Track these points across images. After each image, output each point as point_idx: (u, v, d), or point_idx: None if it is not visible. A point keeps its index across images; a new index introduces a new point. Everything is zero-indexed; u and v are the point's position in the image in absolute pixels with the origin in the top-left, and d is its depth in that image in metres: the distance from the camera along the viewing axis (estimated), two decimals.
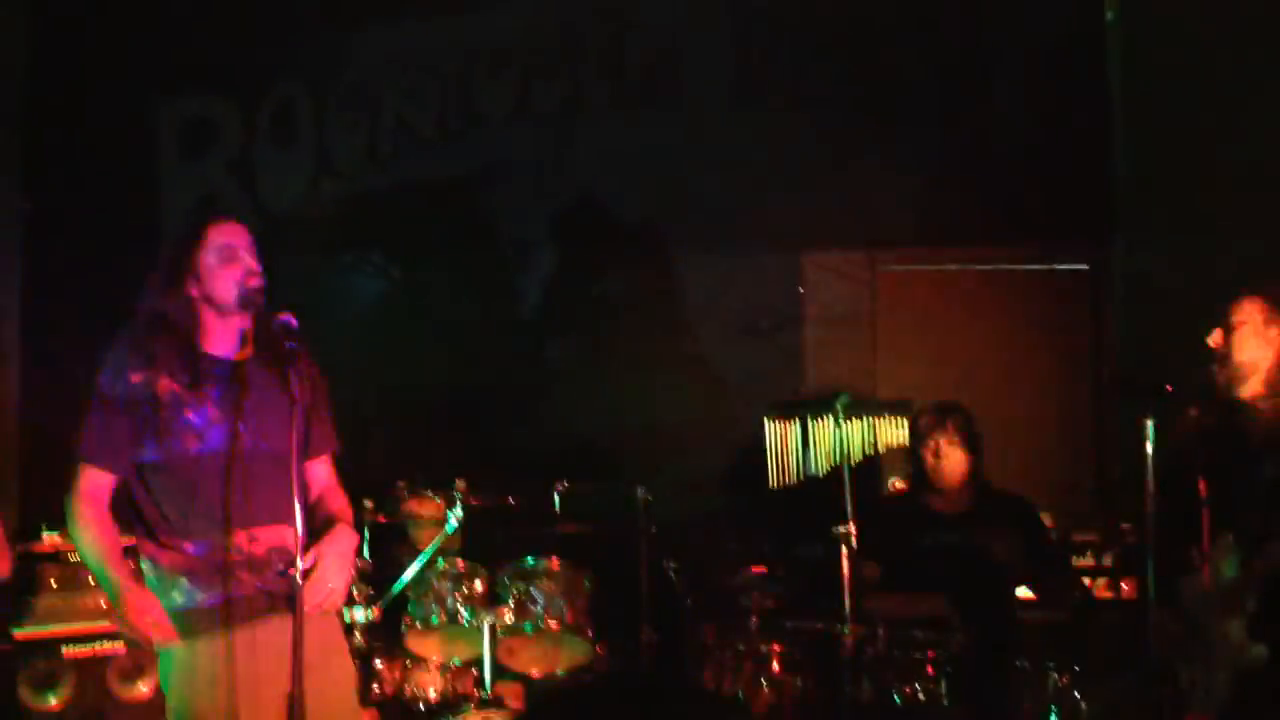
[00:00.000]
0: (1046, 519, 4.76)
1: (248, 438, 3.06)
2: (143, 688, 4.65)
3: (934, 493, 4.58)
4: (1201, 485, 3.58)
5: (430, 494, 4.66)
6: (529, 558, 4.51)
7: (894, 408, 4.43)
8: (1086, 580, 4.50)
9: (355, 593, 4.35)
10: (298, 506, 2.89)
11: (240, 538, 3.04)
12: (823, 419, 4.34)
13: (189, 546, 3.05)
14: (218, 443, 3.05)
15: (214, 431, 3.05)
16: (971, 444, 4.52)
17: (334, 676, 3.12)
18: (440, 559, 4.45)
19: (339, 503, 3.25)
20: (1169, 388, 3.58)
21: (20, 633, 4.52)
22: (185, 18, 5.60)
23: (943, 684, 4.15)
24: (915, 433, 4.48)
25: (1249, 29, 5.07)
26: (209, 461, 3.04)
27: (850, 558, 4.06)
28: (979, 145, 5.60)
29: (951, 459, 4.48)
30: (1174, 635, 3.62)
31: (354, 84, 5.75)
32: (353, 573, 3.08)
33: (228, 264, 3.08)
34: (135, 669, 4.62)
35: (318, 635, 3.03)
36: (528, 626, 4.38)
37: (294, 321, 3.03)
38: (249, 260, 3.10)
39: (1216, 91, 5.12)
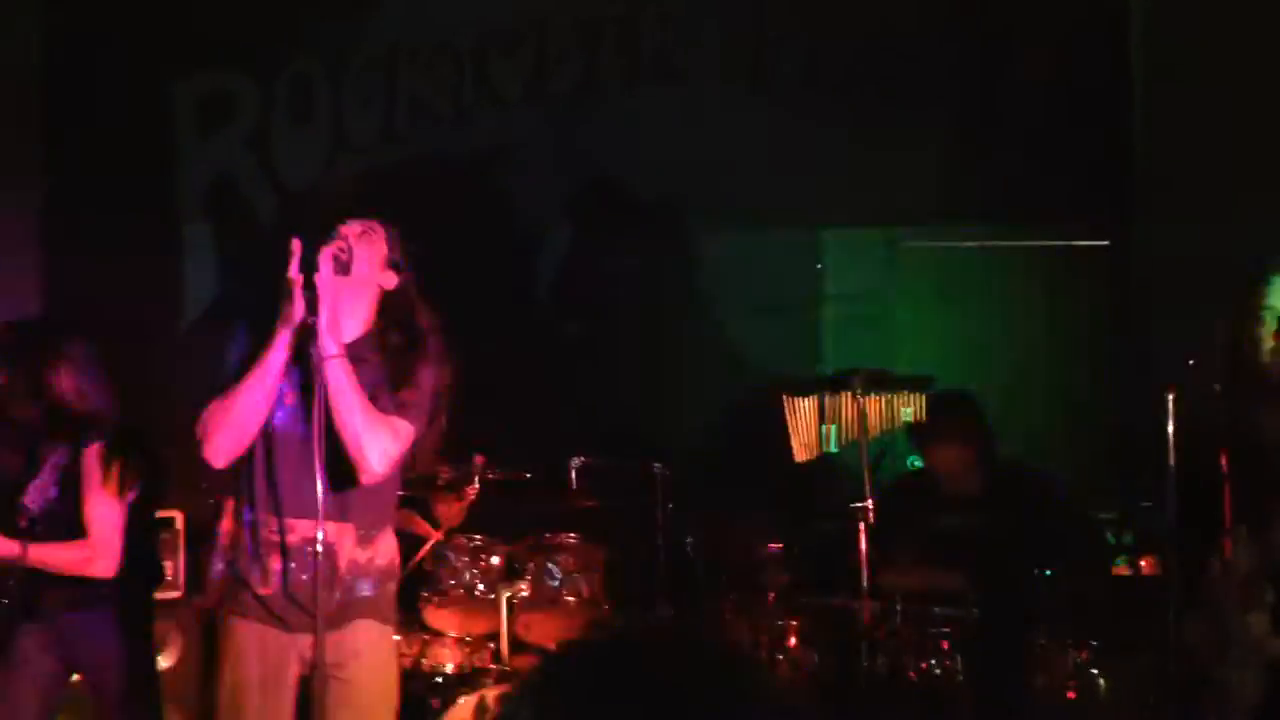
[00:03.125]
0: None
1: (281, 420, 3.05)
2: (163, 661, 4.66)
3: (946, 477, 4.58)
4: (1224, 463, 3.57)
5: (448, 468, 4.66)
6: (546, 532, 4.52)
7: (912, 385, 4.42)
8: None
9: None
10: (319, 490, 2.87)
11: (275, 523, 3.03)
12: (841, 396, 4.34)
13: (245, 516, 3.08)
14: (273, 421, 3.06)
15: (276, 410, 3.07)
16: (968, 438, 4.49)
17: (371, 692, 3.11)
18: (459, 532, 4.46)
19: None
20: (1190, 363, 3.58)
21: None
22: None
23: (958, 660, 4.16)
24: (917, 429, 4.46)
25: (1273, 2, 5.03)
26: (260, 439, 3.05)
27: (868, 534, 4.07)
28: (998, 121, 5.56)
29: (947, 458, 4.48)
30: (1205, 639, 3.61)
31: (370, 61, 5.74)
32: None
33: None
34: (160, 640, 4.63)
35: (364, 644, 3.05)
36: (544, 600, 4.40)
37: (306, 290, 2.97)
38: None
39: (1239, 66, 5.08)
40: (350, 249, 3.09)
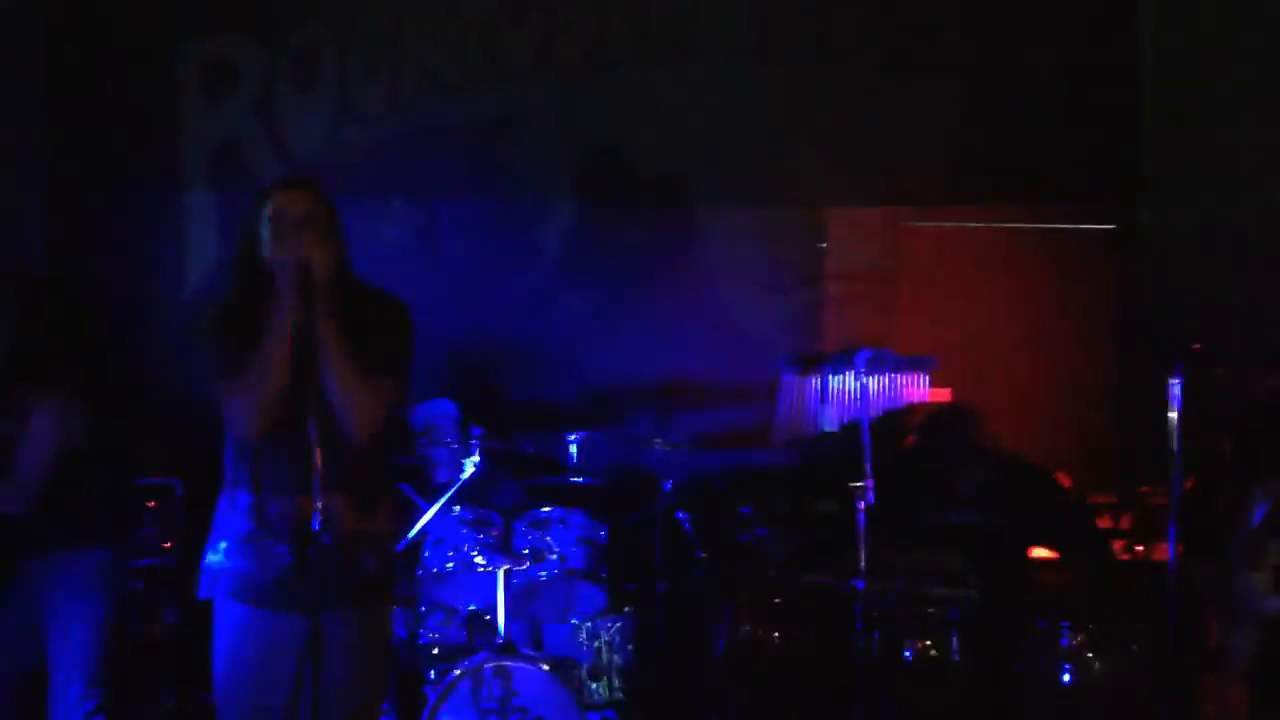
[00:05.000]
0: (1066, 480, 4.75)
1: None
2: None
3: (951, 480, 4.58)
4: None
5: (448, 441, 4.67)
6: (545, 506, 4.52)
7: (914, 365, 4.41)
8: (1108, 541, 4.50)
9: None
10: (318, 462, 2.87)
11: (276, 501, 3.01)
12: (843, 374, 4.34)
13: (243, 499, 3.06)
14: None
15: None
16: (979, 454, 4.49)
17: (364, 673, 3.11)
18: (457, 506, 4.47)
19: None
20: (1196, 347, 3.57)
21: None
22: None
23: (955, 641, 4.16)
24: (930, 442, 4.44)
25: None
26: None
27: (865, 514, 4.06)
28: (1005, 102, 5.54)
29: (954, 470, 4.48)
30: (1217, 588, 3.63)
31: (377, 28, 5.71)
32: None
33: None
34: (151, 605, 4.65)
35: (362, 625, 3.05)
36: (542, 574, 4.41)
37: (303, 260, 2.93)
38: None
39: (1246, 49, 5.05)
40: (319, 206, 3.06)
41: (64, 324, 3.88)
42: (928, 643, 4.18)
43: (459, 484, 4.47)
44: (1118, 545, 4.56)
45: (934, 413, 4.49)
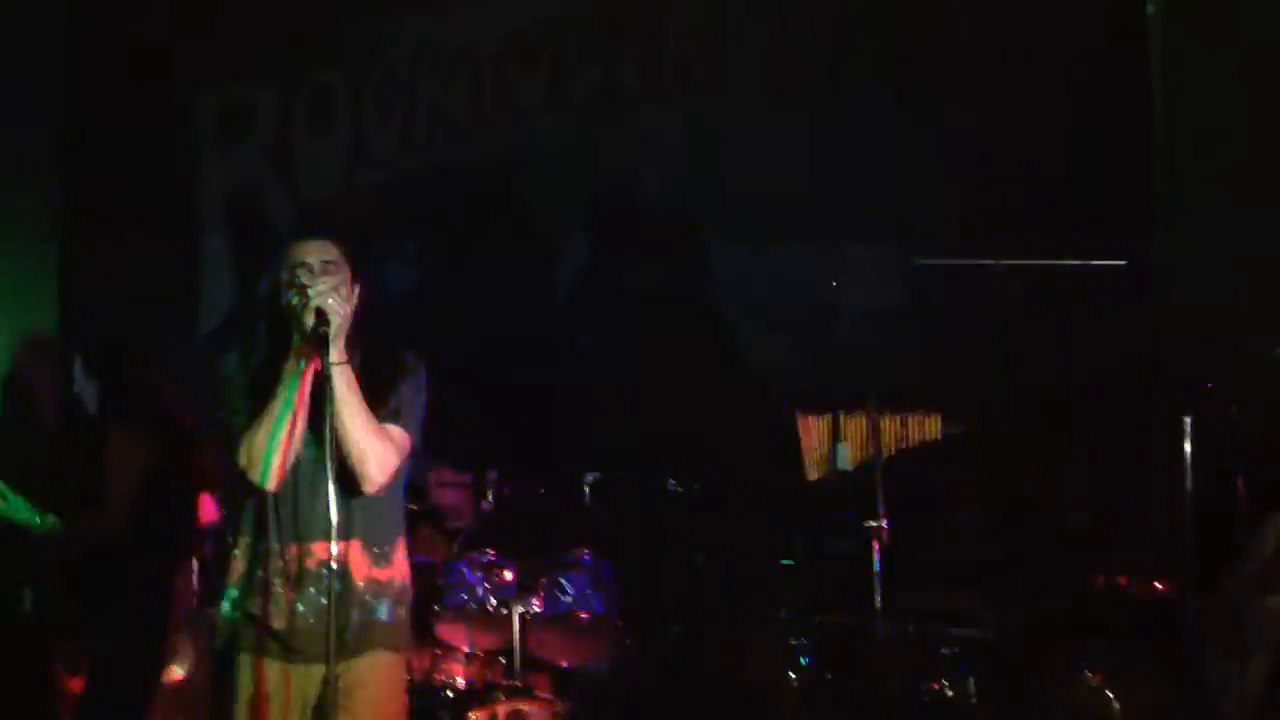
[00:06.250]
0: (1080, 518, 4.73)
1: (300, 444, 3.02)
2: (178, 670, 4.67)
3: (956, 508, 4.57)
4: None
5: (461, 483, 4.67)
6: (559, 547, 4.52)
7: (928, 404, 4.41)
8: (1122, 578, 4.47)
9: None
10: (333, 511, 2.86)
11: (289, 550, 3.01)
12: (855, 414, 4.33)
13: (256, 549, 3.06)
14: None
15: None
16: (984, 481, 4.48)
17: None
18: (471, 548, 4.47)
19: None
20: (1208, 386, 3.56)
21: None
22: (225, 3, 5.63)
23: (971, 680, 4.14)
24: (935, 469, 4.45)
25: None
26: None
27: (880, 551, 4.05)
28: (1018, 140, 5.54)
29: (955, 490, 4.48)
30: (1217, 622, 3.60)
31: (390, 71, 5.76)
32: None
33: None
34: (171, 651, 4.64)
35: (375, 675, 3.05)
36: (557, 616, 4.40)
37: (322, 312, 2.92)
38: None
39: (1260, 84, 5.05)
40: (335, 255, 3.07)
41: (136, 382, 4.25)
42: (944, 683, 4.15)
43: (473, 526, 4.47)
44: (1126, 581, 4.52)
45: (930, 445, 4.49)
